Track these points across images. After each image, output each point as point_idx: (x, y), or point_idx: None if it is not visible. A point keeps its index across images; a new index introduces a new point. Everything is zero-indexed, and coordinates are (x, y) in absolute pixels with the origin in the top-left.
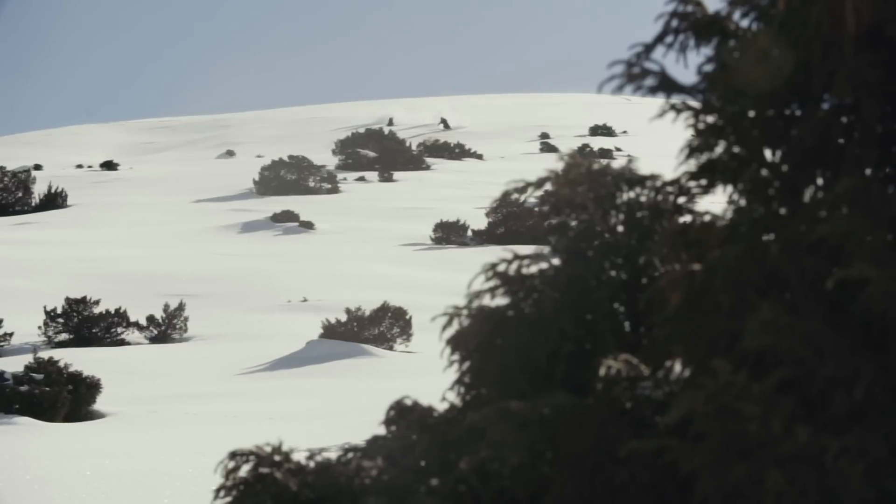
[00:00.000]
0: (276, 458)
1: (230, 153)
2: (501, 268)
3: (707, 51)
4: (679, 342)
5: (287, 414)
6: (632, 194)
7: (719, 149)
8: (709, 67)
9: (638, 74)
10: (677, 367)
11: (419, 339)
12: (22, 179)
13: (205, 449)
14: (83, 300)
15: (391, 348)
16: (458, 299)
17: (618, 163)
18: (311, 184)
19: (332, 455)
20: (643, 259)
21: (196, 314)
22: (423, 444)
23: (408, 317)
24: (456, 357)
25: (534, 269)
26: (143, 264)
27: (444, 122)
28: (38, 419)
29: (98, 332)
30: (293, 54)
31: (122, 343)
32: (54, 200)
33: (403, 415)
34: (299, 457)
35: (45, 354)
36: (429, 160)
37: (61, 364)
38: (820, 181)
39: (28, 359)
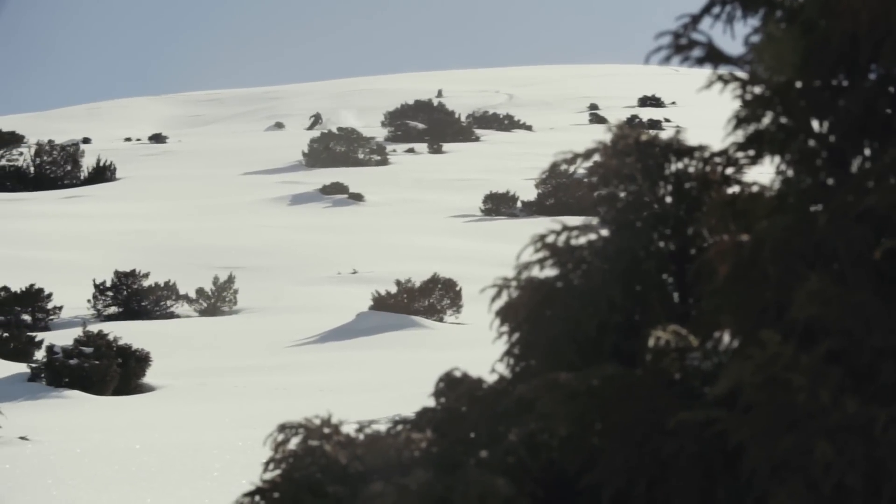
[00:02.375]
0: (326, 430)
1: (279, 125)
2: (550, 239)
3: (754, 21)
4: (727, 313)
5: (337, 386)
6: (680, 165)
7: (766, 119)
8: (756, 38)
9: (685, 45)
10: (726, 337)
11: (469, 311)
12: (70, 153)
13: (254, 422)
14: (132, 273)
15: (441, 320)
16: (508, 271)
17: (666, 134)
18: (361, 156)
19: (382, 427)
20: (691, 230)
21: (245, 287)
22: (473, 416)
23: (458, 288)
24: (505, 329)
25: (582, 240)
26: (193, 237)
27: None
28: (88, 393)
29: (147, 305)
30: (342, 26)
31: (172, 316)
32: (103, 174)
33: (453, 386)
34: (349, 429)
35: (94, 328)
36: (478, 131)
37: (111, 337)
38: (867, 151)
39: (77, 332)
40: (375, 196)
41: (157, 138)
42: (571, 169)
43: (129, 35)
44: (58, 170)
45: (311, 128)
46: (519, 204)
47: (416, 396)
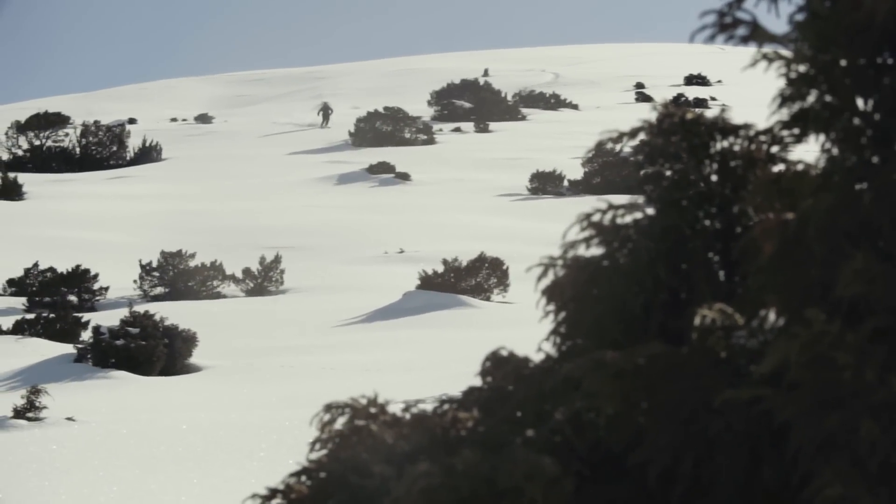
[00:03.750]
0: (372, 410)
1: (326, 105)
2: (596, 218)
3: (798, 0)
4: (773, 291)
5: (383, 366)
6: (725, 143)
7: (811, 98)
8: (800, 16)
9: (729, 24)
10: (772, 316)
11: (516, 290)
12: (116, 133)
13: (301, 401)
14: (178, 253)
15: (488, 299)
16: (554, 249)
17: (712, 112)
18: (407, 135)
19: (428, 407)
20: (737, 208)
21: (292, 266)
22: (519, 395)
23: (504, 267)
24: (551, 307)
25: (628, 218)
26: (239, 217)
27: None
28: (135, 373)
29: (194, 285)
30: (388, 6)
31: (218, 296)
32: (149, 154)
33: (499, 365)
34: (395, 409)
35: (140, 308)
36: (524, 111)
37: (157, 318)
38: None
39: (124, 313)
40: (422, 175)
41: (203, 118)
42: (617, 148)
43: (176, 16)
44: (104, 150)
45: (323, 120)
46: (565, 183)
47: (462, 375)
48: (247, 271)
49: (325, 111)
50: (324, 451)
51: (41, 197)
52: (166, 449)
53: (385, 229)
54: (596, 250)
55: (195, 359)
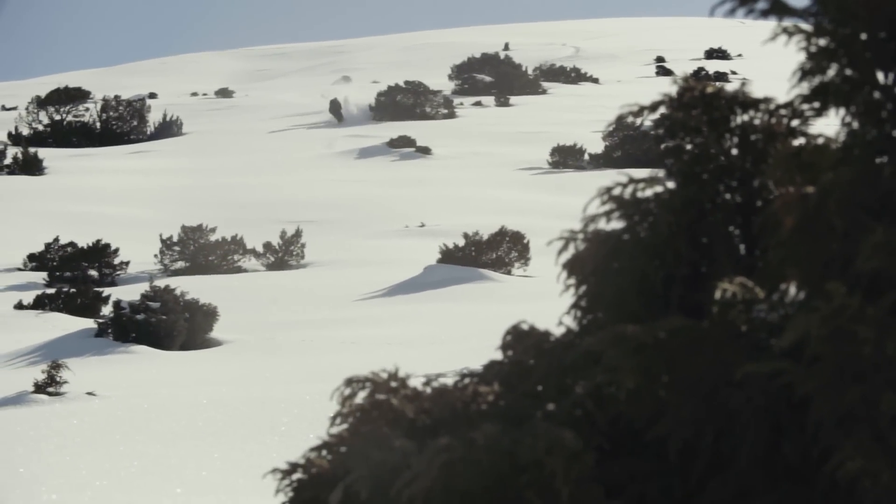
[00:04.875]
0: (393, 384)
1: (346, 79)
2: (616, 192)
3: None
4: (793, 265)
5: (404, 340)
6: (746, 117)
7: (832, 72)
8: None
9: None
10: (792, 289)
11: (537, 264)
12: (137, 108)
13: (322, 376)
14: (199, 228)
15: (509, 273)
16: (575, 223)
17: (732, 86)
18: (428, 109)
19: (449, 381)
20: (757, 182)
21: (313, 241)
22: (540, 369)
23: (525, 241)
24: (572, 281)
25: (649, 192)
26: (260, 191)
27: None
28: (155, 348)
29: (214, 259)
30: None
31: (239, 270)
32: (169, 128)
33: (520, 339)
34: (416, 383)
35: (161, 283)
36: (545, 84)
37: (178, 292)
38: None
39: (144, 287)
40: (443, 149)
41: (224, 93)
42: (638, 121)
43: None
44: (124, 125)
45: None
46: (586, 156)
47: (483, 349)
48: (267, 245)
49: (335, 107)
50: (344, 426)
51: (61, 172)
52: (187, 423)
53: (406, 203)
54: (616, 224)
55: (216, 333)
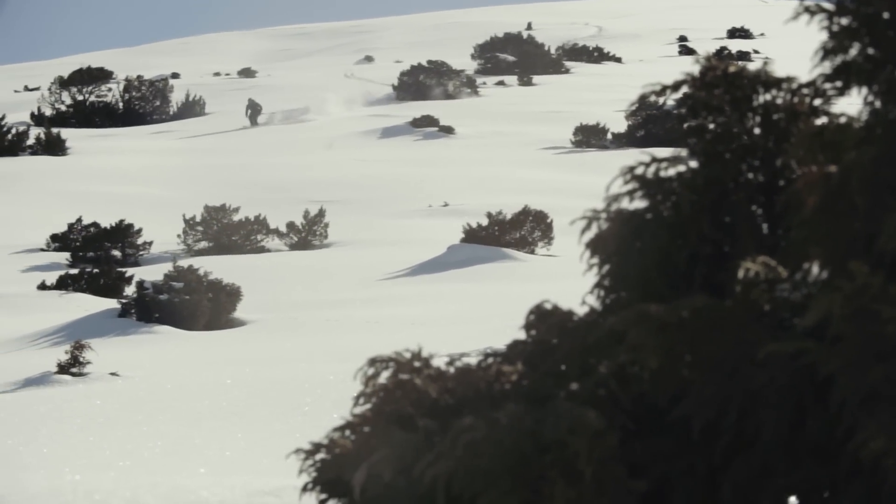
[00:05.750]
0: (416, 364)
1: (368, 59)
2: (639, 171)
3: None
4: (816, 244)
5: (427, 319)
6: (768, 97)
7: (854, 51)
8: None
9: None
10: (815, 268)
11: (560, 243)
12: (160, 88)
13: (345, 355)
14: (222, 208)
15: (532, 252)
16: (599, 202)
17: (755, 65)
18: (451, 88)
19: (472, 360)
20: (780, 161)
21: (336, 220)
22: (563, 349)
23: (549, 220)
24: (595, 260)
25: (672, 171)
26: (283, 171)
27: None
28: (178, 328)
29: (237, 239)
30: None
31: (263, 250)
32: (192, 108)
33: (543, 319)
34: (439, 362)
35: (184, 263)
36: (568, 64)
37: (201, 272)
38: None
39: (168, 267)
40: (466, 129)
41: (247, 73)
42: (660, 101)
43: None
44: (147, 105)
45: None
46: (609, 136)
47: (506, 329)
48: (291, 225)
49: (254, 109)
50: (368, 406)
51: (84, 152)
52: (210, 403)
53: (429, 182)
54: (639, 203)
55: (239, 313)
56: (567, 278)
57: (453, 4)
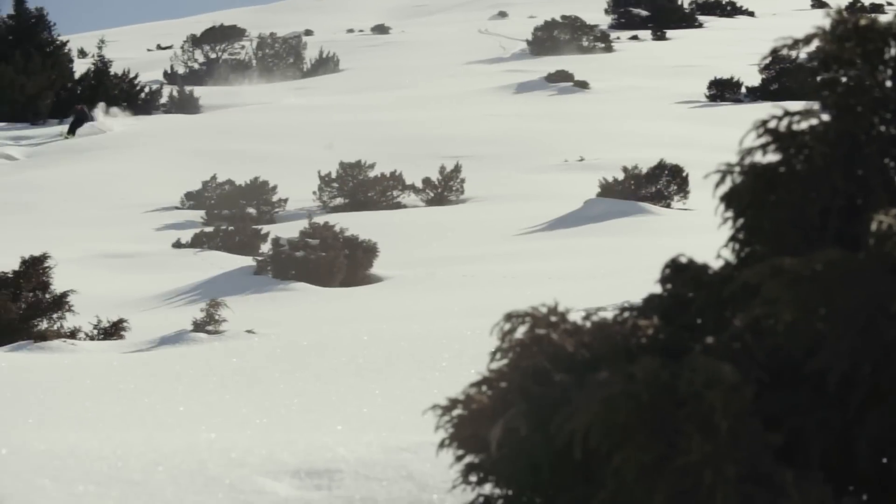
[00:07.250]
0: (553, 318)
1: (502, 14)
2: (772, 124)
3: None
4: None
5: (564, 273)
6: None
7: None
8: None
9: None
10: None
11: (696, 196)
12: (293, 45)
13: (482, 311)
14: (358, 164)
15: (668, 206)
16: (733, 156)
17: (887, 18)
18: (585, 43)
19: (609, 314)
20: None
21: (472, 176)
22: (699, 302)
23: (684, 174)
24: (729, 214)
25: (804, 125)
26: (418, 127)
27: None
28: (315, 285)
29: (373, 195)
30: None
31: (398, 206)
32: (326, 65)
33: (679, 272)
34: (575, 317)
35: (320, 220)
36: (701, 18)
37: (337, 229)
38: None
39: (303, 224)
40: (600, 83)
41: (380, 29)
42: (792, 54)
43: None
44: (280, 62)
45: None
46: (743, 89)
47: (643, 283)
48: (427, 181)
49: (80, 117)
50: (504, 361)
51: (217, 109)
52: (347, 360)
53: (564, 137)
54: (773, 157)
55: (376, 269)
56: (703, 232)
57: None
